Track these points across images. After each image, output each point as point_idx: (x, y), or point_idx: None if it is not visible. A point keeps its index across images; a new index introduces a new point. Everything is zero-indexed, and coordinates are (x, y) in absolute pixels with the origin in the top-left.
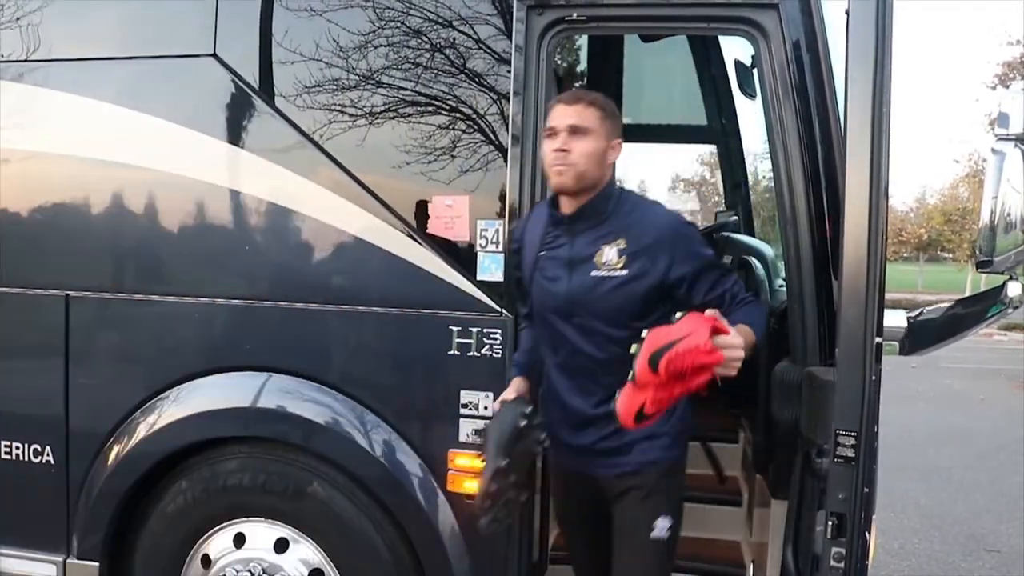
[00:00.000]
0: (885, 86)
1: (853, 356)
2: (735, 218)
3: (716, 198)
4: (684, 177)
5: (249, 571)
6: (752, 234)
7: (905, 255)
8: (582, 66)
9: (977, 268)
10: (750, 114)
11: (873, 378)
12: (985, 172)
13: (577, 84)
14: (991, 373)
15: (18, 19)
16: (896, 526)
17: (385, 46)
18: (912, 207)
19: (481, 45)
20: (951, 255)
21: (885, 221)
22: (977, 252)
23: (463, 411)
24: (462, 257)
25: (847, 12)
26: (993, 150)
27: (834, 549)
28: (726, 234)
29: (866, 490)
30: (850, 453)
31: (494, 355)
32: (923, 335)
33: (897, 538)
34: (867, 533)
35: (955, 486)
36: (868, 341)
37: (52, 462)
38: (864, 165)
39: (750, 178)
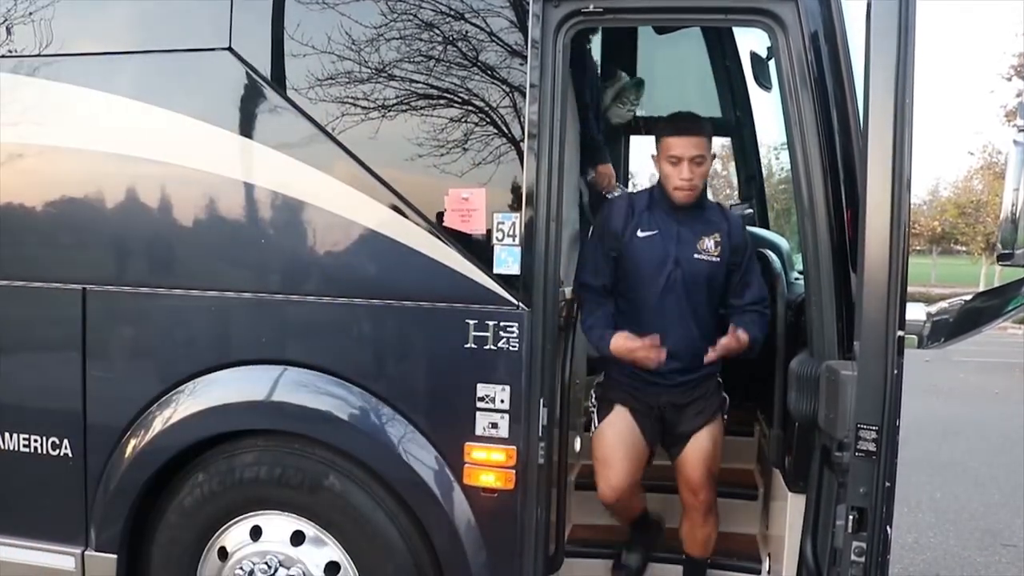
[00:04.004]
0: (908, 78)
1: (875, 349)
2: (750, 211)
3: (728, 191)
4: None
5: (266, 563)
6: (766, 227)
7: (918, 248)
8: (595, 58)
9: (998, 260)
10: (765, 106)
11: (895, 372)
12: (1006, 163)
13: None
14: (1006, 367)
15: (32, 14)
16: (911, 520)
17: (403, 39)
18: (925, 199)
19: (496, 38)
20: (965, 248)
21: (908, 214)
22: (998, 244)
23: (479, 404)
24: (479, 250)
25: (868, 3)
26: (1015, 141)
27: (855, 543)
28: None
29: (888, 484)
30: (871, 447)
31: (511, 348)
32: (942, 328)
33: (912, 532)
34: (888, 527)
35: (970, 480)
36: (890, 334)
37: (70, 455)
38: (886, 158)
39: (764, 171)
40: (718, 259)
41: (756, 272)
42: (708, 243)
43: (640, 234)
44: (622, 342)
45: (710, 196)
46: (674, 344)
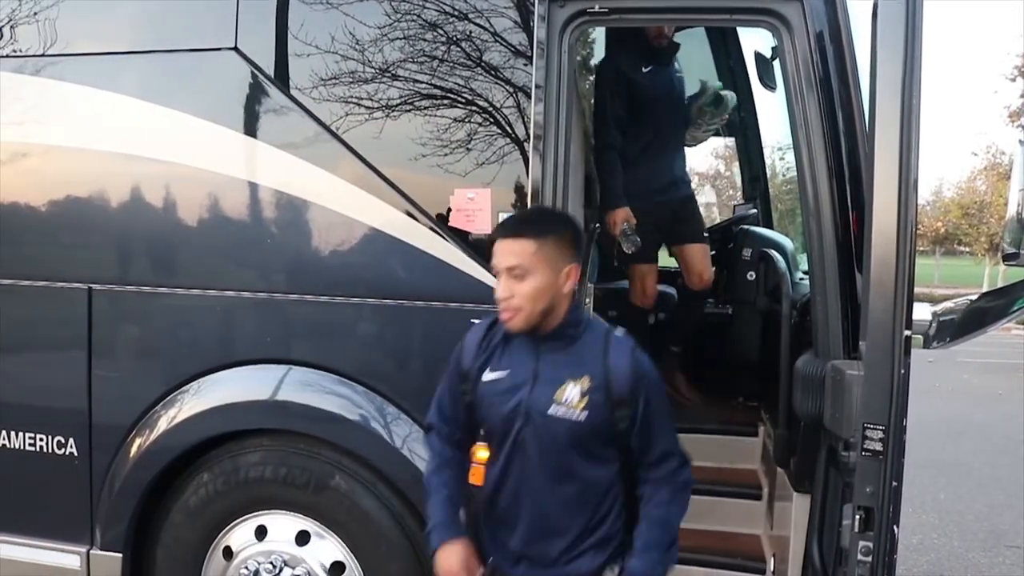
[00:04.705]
0: (915, 78)
1: (882, 349)
2: (754, 211)
3: (731, 191)
4: (699, 171)
5: (271, 563)
6: (770, 227)
7: (922, 248)
8: (599, 58)
9: (1003, 260)
10: (769, 106)
11: (903, 371)
12: (1011, 164)
13: (592, 77)
14: (1009, 368)
15: (39, 15)
16: (915, 521)
17: (408, 39)
18: (929, 200)
19: (501, 38)
20: (968, 249)
21: (915, 214)
22: (1004, 244)
23: None
24: (484, 250)
25: (875, 3)
26: (1020, 142)
27: (861, 543)
28: (746, 227)
29: (894, 484)
30: (878, 447)
31: None
32: (948, 328)
33: (916, 533)
34: (895, 527)
35: (974, 481)
36: (897, 334)
37: (75, 454)
38: (893, 158)
39: (768, 171)
40: (583, 417)
41: (661, 426)
42: (571, 392)
43: (487, 376)
44: (443, 559)
45: (712, 197)
46: (524, 535)
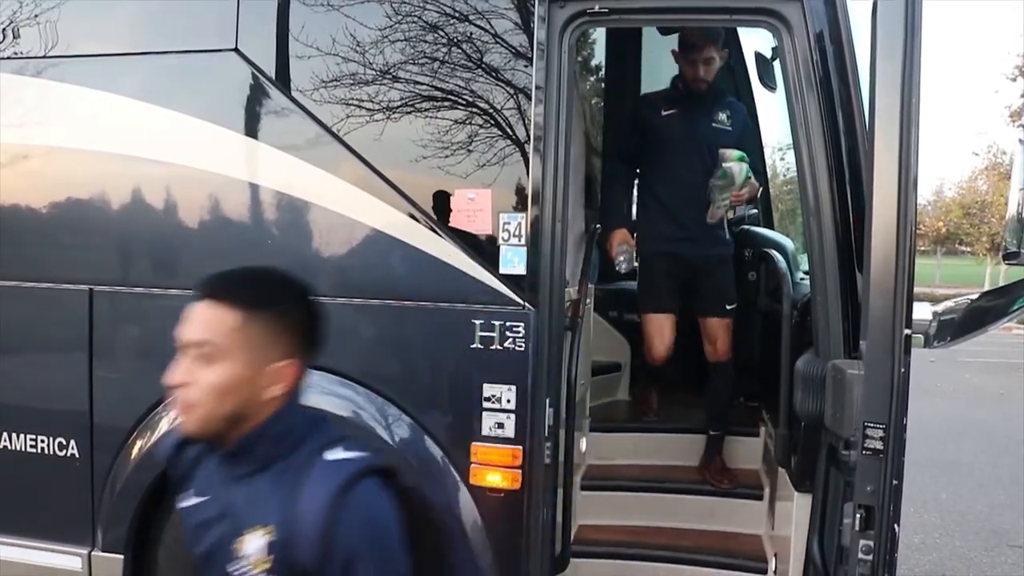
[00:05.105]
0: (914, 77)
1: (882, 348)
2: (755, 211)
3: None
4: None
5: None
6: (771, 227)
7: (923, 248)
8: (599, 59)
9: (1004, 259)
10: (769, 106)
11: (903, 370)
12: (1012, 163)
13: (593, 78)
14: (1010, 367)
15: (37, 16)
16: (917, 521)
17: (408, 41)
18: (930, 200)
19: (501, 39)
20: (969, 249)
21: (914, 212)
22: (1005, 243)
23: (486, 404)
24: (485, 250)
25: (874, 2)
26: (1021, 141)
27: (862, 542)
28: (746, 227)
29: (895, 482)
30: (878, 445)
31: (516, 348)
32: (948, 328)
33: (918, 533)
34: (896, 525)
35: (975, 481)
36: (897, 333)
37: (77, 456)
38: (893, 157)
39: (768, 171)
40: None
41: None
42: (253, 545)
43: (182, 501)
44: None
45: None
46: None
